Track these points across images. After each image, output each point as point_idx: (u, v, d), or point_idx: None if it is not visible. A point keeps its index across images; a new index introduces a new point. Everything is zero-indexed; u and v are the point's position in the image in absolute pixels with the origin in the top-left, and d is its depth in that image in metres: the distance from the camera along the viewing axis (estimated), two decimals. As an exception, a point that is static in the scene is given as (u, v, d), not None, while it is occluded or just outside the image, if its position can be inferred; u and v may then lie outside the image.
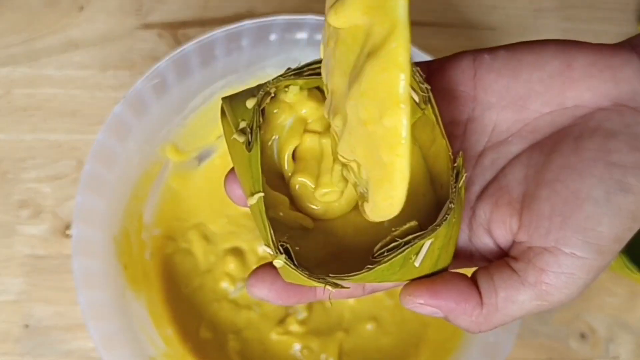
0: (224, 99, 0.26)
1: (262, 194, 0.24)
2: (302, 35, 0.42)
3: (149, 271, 0.43)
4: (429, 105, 0.24)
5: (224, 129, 0.26)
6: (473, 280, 0.25)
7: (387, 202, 0.22)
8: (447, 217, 0.23)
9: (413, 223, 0.24)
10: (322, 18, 0.42)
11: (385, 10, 0.20)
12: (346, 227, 0.26)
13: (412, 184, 0.22)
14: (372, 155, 0.22)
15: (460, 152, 0.24)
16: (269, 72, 0.44)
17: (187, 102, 0.43)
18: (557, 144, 0.24)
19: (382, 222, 0.25)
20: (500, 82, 0.25)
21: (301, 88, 0.26)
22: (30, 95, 0.49)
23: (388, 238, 0.24)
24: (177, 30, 0.51)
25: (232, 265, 0.44)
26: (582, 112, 0.24)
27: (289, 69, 0.25)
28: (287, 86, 0.26)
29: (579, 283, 0.23)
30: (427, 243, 0.23)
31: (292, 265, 0.23)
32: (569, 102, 0.24)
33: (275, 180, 0.26)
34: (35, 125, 0.49)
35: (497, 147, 0.25)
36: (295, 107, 0.26)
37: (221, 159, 0.47)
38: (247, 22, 0.41)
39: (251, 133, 0.24)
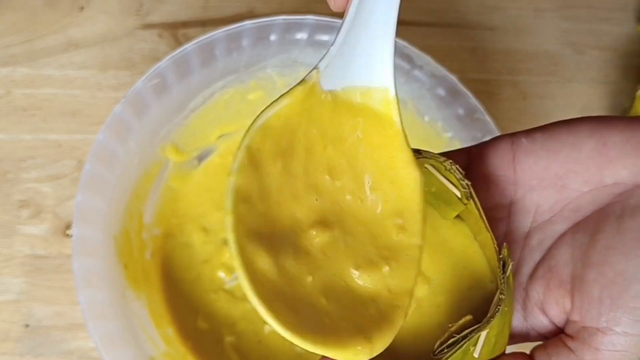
0: None
1: None
2: (302, 35, 0.42)
3: (149, 271, 0.43)
4: (471, 200, 0.25)
5: None
6: (531, 359, 0.26)
7: None
8: (499, 309, 0.24)
9: (468, 317, 0.25)
10: (322, 18, 0.42)
11: None
12: (402, 333, 0.25)
13: (467, 277, 0.24)
14: None
15: (505, 244, 0.25)
16: (269, 72, 0.44)
17: (188, 102, 0.43)
18: (600, 224, 0.25)
19: (439, 322, 0.26)
20: (539, 164, 0.26)
21: None
22: (31, 95, 0.49)
23: (446, 335, 0.25)
24: (177, 30, 0.51)
25: (228, 254, 0.44)
26: (621, 189, 0.25)
27: None
28: None
29: (633, 359, 0.24)
30: (484, 334, 0.24)
31: None
32: (608, 180, 0.25)
33: None
34: (35, 125, 0.49)
35: (542, 227, 0.26)
36: None
37: (221, 159, 0.47)
38: (247, 23, 0.41)
39: None
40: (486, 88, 0.52)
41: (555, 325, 0.26)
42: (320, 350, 0.23)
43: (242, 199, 0.21)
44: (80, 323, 0.45)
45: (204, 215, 0.45)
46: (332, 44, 0.22)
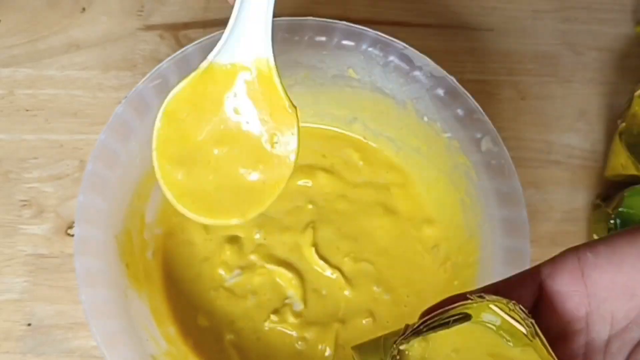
0: (354, 350, 0.29)
1: None
2: (302, 36, 0.42)
3: (151, 270, 0.43)
4: (537, 338, 0.27)
5: None
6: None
7: None
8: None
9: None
10: (321, 20, 0.42)
11: None
12: None
13: None
14: None
15: None
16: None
17: (188, 103, 0.43)
18: None
19: None
20: (605, 277, 0.27)
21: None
22: (33, 96, 0.50)
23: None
24: (178, 31, 0.51)
25: (228, 252, 0.45)
26: None
27: (407, 325, 0.27)
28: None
29: None
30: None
31: None
32: None
33: None
34: (37, 125, 0.49)
35: (620, 335, 0.28)
36: None
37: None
38: (248, 24, 0.42)
39: None
40: (485, 88, 0.52)
41: None
42: (209, 221, 0.34)
43: (163, 140, 0.33)
44: (82, 322, 0.45)
45: None
46: (223, 33, 0.33)
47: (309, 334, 0.43)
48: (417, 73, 0.43)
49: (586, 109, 0.52)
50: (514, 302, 0.27)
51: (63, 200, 0.48)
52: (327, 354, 0.43)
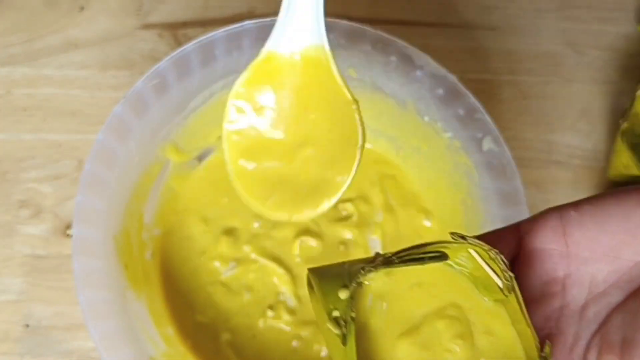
0: (311, 272, 0.27)
1: None
2: (302, 35, 0.42)
3: (149, 271, 0.43)
4: (513, 293, 0.25)
5: (312, 303, 0.27)
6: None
7: None
8: None
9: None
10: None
11: None
12: None
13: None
14: None
15: (547, 342, 0.25)
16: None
17: (187, 102, 0.43)
18: None
19: None
20: (588, 236, 0.26)
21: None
22: (30, 95, 0.49)
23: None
24: (177, 30, 0.51)
25: (224, 244, 0.45)
26: None
27: (377, 254, 0.26)
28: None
29: None
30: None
31: None
32: None
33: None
34: (35, 125, 0.49)
35: (597, 299, 0.26)
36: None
37: (221, 158, 0.47)
38: (248, 23, 0.42)
39: (346, 326, 0.24)
40: (486, 88, 0.52)
41: None
42: (262, 210, 0.33)
43: (234, 134, 0.33)
44: (80, 323, 0.45)
45: (205, 206, 0.46)
46: (276, 22, 0.33)
47: (304, 333, 0.43)
48: (418, 72, 0.43)
49: (588, 108, 0.52)
50: (496, 250, 0.25)
51: (61, 201, 0.47)
52: (322, 354, 0.43)
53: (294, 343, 0.43)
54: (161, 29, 0.51)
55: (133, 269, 0.41)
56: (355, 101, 0.33)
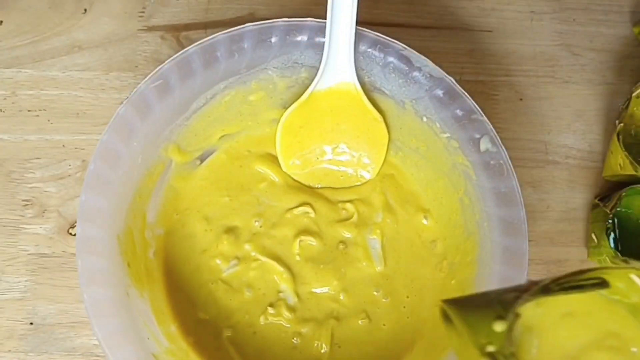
0: (447, 304, 0.25)
1: None
2: (302, 37, 0.42)
3: (152, 269, 0.43)
4: None
5: (452, 338, 0.24)
6: None
7: None
8: None
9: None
10: (322, 21, 0.42)
11: None
12: None
13: None
14: None
15: None
16: (270, 73, 0.44)
17: (190, 103, 0.43)
18: None
19: None
20: None
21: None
22: (35, 97, 0.50)
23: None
24: (179, 32, 0.52)
25: (225, 242, 0.45)
26: None
27: (531, 282, 0.24)
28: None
29: None
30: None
31: None
32: None
33: None
34: (39, 125, 0.49)
35: None
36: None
37: (223, 158, 0.48)
38: (249, 25, 0.42)
39: None
40: (483, 89, 0.52)
41: None
42: (302, 179, 0.48)
43: (284, 144, 0.47)
44: (84, 321, 0.46)
45: (207, 205, 0.46)
46: (319, 69, 0.43)
47: (305, 330, 0.44)
48: (416, 74, 0.43)
49: (584, 109, 0.53)
50: None
51: (65, 200, 0.48)
52: (323, 350, 0.43)
53: (295, 340, 0.44)
54: (164, 32, 0.52)
55: (136, 267, 0.42)
56: (381, 118, 0.45)
